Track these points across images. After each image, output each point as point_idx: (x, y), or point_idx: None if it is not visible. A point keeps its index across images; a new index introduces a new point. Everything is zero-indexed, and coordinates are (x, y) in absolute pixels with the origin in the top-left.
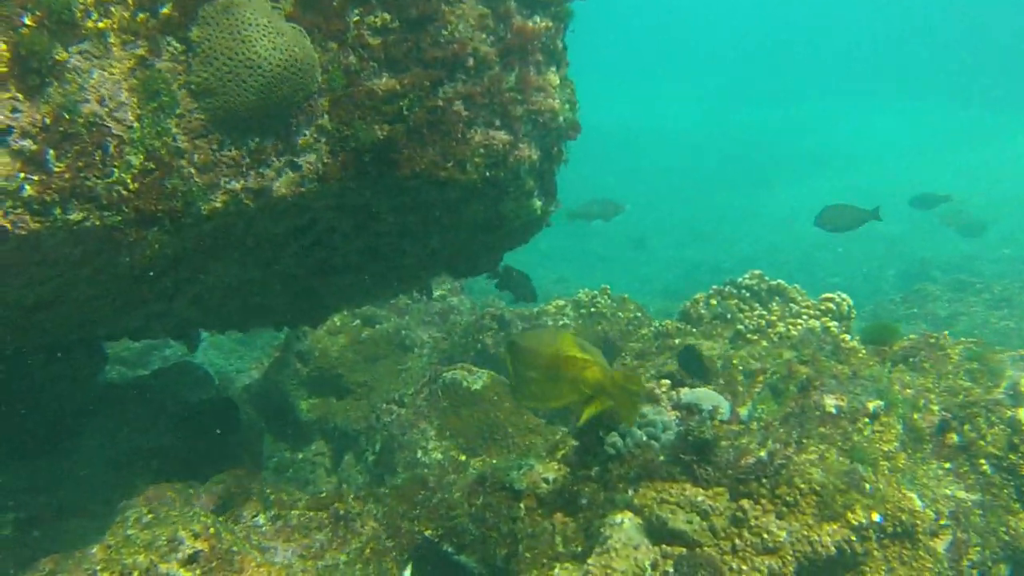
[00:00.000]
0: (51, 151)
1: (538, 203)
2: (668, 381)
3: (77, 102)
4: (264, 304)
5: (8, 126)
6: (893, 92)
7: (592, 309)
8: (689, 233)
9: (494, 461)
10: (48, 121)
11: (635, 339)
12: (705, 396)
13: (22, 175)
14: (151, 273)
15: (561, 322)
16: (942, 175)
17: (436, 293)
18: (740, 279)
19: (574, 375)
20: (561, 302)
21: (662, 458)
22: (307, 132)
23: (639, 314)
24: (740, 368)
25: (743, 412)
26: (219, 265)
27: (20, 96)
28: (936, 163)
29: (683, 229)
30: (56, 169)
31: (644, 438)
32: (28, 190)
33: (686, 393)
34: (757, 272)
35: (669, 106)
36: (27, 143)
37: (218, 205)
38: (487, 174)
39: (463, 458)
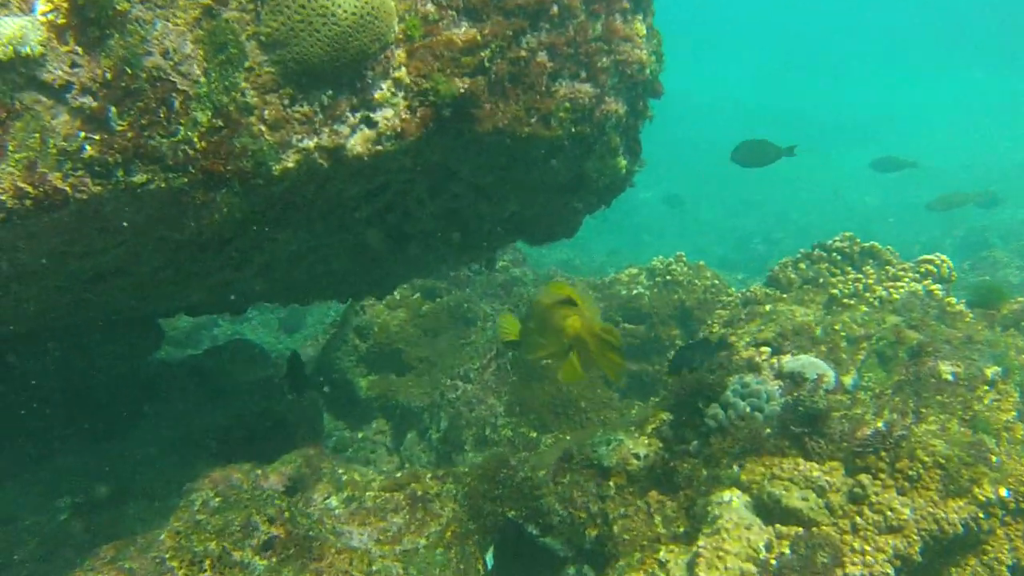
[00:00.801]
0: (113, 108)
1: (623, 162)
2: (768, 348)
3: (140, 55)
4: (330, 274)
5: (67, 82)
6: (945, 61)
7: (667, 277)
8: (741, 203)
9: (567, 437)
10: (109, 76)
11: (720, 306)
12: (809, 364)
13: (83, 135)
14: (218, 240)
15: (635, 291)
16: (997, 144)
17: (498, 264)
18: (830, 241)
19: (557, 324)
20: (634, 270)
21: (769, 431)
22: (383, 86)
23: (716, 282)
24: (843, 334)
25: (848, 381)
26: (287, 231)
27: (80, 50)
28: (991, 131)
29: (735, 199)
30: (118, 128)
31: (748, 409)
32: (89, 150)
33: (788, 361)
34: (848, 233)
35: (719, 74)
36: (87, 100)
37: (290, 165)
38: (572, 130)
39: (534, 435)
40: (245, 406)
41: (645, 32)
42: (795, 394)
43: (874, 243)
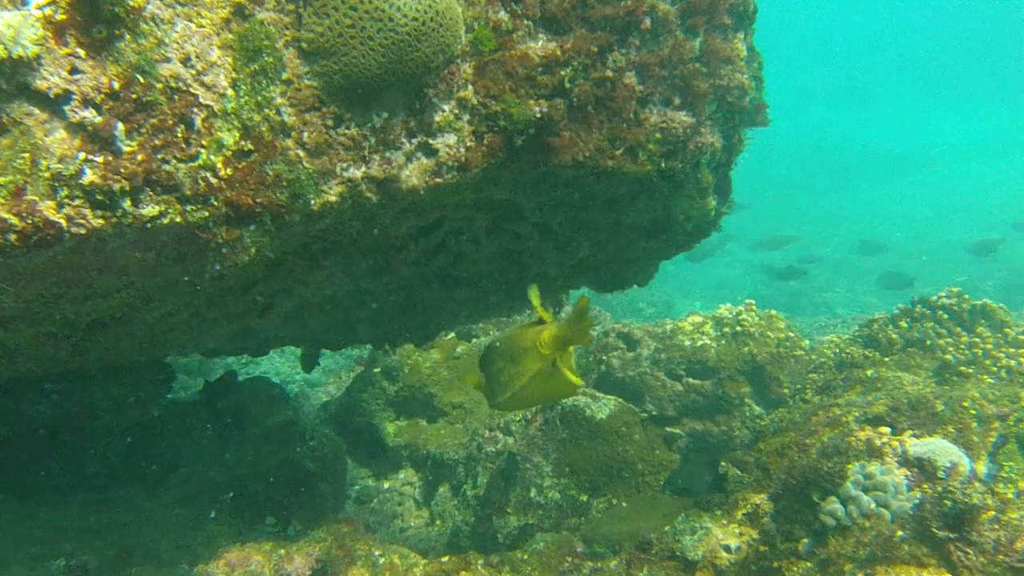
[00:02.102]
0: (120, 125)
1: (713, 203)
2: (887, 428)
3: (155, 61)
4: (366, 320)
5: (65, 91)
6: (975, 94)
7: (737, 327)
8: (771, 236)
9: (623, 504)
10: (117, 86)
11: (796, 361)
12: (941, 449)
13: (82, 156)
14: (242, 283)
15: (700, 342)
16: None
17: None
18: (934, 297)
19: (532, 341)
20: (698, 318)
21: (901, 533)
22: (446, 107)
23: (791, 334)
24: (972, 412)
25: (981, 470)
26: (323, 273)
27: (82, 52)
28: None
29: (763, 231)
30: (126, 149)
31: (873, 505)
32: (90, 175)
33: (914, 444)
34: (955, 289)
35: None
36: (89, 114)
37: (332, 199)
38: (662, 165)
39: (584, 498)
40: (262, 455)
41: (746, 53)
42: (937, 487)
43: (986, 300)
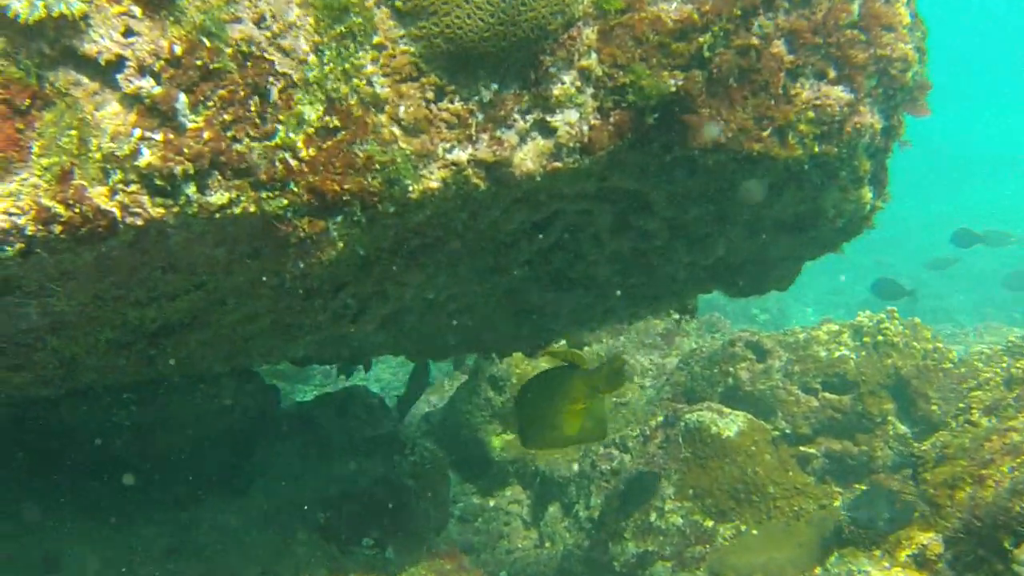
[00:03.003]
0: (183, 97)
1: (868, 195)
2: None
3: (224, 22)
4: (473, 326)
5: (119, 57)
6: None
7: (878, 337)
8: (880, 239)
9: (753, 531)
10: (179, 51)
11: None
12: None
13: (139, 133)
14: (330, 284)
15: (838, 353)
16: None
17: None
18: None
19: (566, 389)
20: (834, 326)
21: None
22: (565, 78)
23: (938, 344)
24: None
25: None
26: (422, 274)
27: (137, 11)
28: None
29: (872, 234)
30: (190, 125)
31: None
32: (147, 156)
33: None
34: None
35: None
36: (147, 84)
37: (434, 185)
38: (815, 149)
39: (709, 524)
40: (359, 470)
41: (909, 20)
42: None
43: None
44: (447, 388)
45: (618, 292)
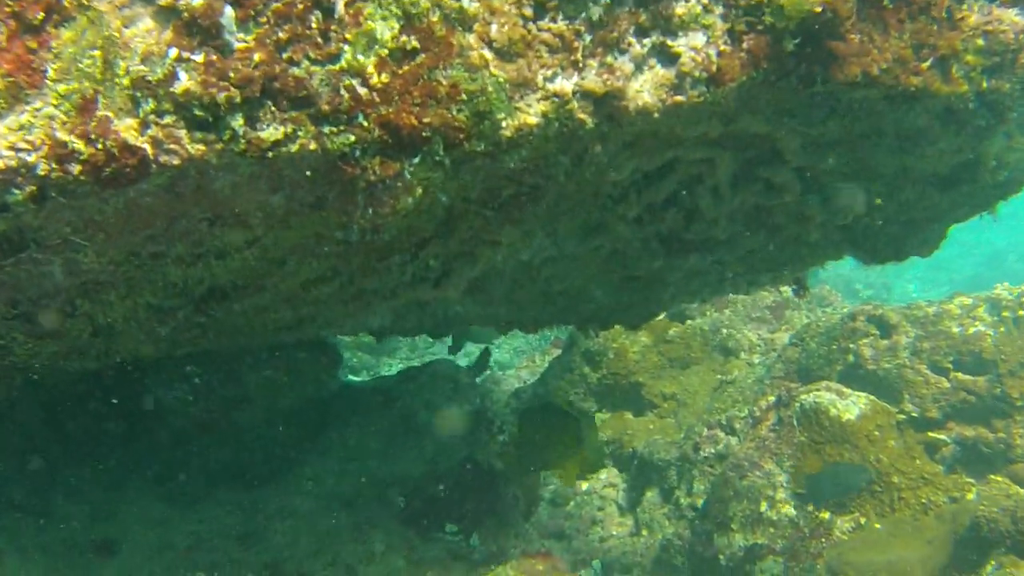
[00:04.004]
0: (229, 11)
1: None
2: None
3: None
4: (568, 294)
5: None
6: None
7: (1020, 312)
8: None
9: (876, 526)
10: None
11: None
12: None
13: (175, 54)
14: (408, 240)
15: (972, 329)
16: None
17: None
18: None
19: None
20: (967, 300)
21: None
22: None
23: None
24: None
25: None
26: (516, 231)
27: None
28: None
29: None
30: (238, 45)
31: None
32: (186, 82)
33: None
34: None
35: None
36: None
37: (532, 120)
38: (983, 84)
39: (825, 516)
40: (443, 450)
41: None
42: None
43: None
44: (538, 363)
45: (731, 258)
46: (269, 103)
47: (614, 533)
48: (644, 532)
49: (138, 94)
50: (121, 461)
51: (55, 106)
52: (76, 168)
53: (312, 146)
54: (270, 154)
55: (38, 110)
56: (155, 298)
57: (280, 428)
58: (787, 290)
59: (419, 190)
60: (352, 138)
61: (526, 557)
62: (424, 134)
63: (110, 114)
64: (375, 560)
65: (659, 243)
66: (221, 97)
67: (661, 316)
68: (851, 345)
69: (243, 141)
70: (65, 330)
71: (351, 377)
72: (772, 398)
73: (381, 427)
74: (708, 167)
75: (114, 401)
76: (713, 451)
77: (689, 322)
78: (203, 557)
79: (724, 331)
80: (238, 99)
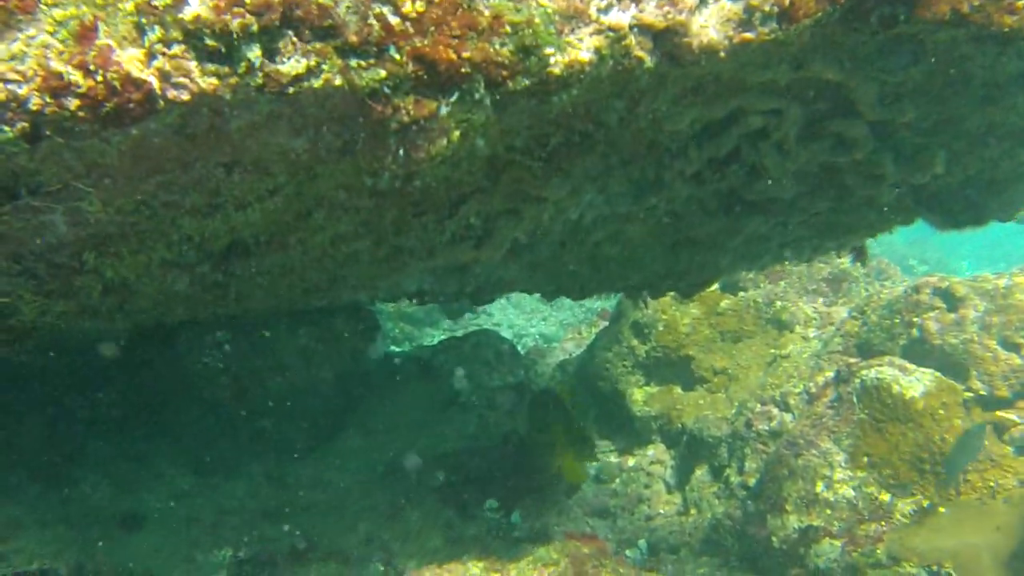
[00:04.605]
0: None
1: None
2: None
3: None
4: (621, 258)
5: None
6: None
7: None
8: None
9: (940, 510)
10: None
11: None
12: None
13: None
14: (445, 194)
15: None
16: None
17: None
18: None
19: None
20: None
21: None
22: None
23: None
24: None
25: None
26: (565, 186)
27: None
28: None
29: None
30: None
31: None
32: (197, 8)
33: None
34: None
35: None
36: None
37: (584, 57)
38: None
39: (885, 498)
40: (485, 424)
41: None
42: None
43: None
44: (585, 335)
45: (791, 222)
46: (290, 33)
47: (661, 512)
48: (692, 511)
49: (143, 21)
50: (148, 432)
51: (50, 33)
52: (73, 103)
53: (338, 81)
54: (291, 90)
55: (31, 38)
56: (169, 253)
57: (315, 398)
58: (844, 261)
59: (456, 133)
60: (382, 73)
61: (570, 538)
62: (463, 70)
63: (112, 43)
64: (412, 538)
65: (718, 203)
66: (235, 24)
67: (713, 287)
68: (915, 319)
69: (260, 75)
70: (76, 288)
71: (392, 347)
72: (830, 373)
73: (420, 399)
74: (774, 119)
75: (140, 369)
76: (766, 428)
77: (742, 294)
78: (230, 532)
79: (778, 303)
80: (255, 27)
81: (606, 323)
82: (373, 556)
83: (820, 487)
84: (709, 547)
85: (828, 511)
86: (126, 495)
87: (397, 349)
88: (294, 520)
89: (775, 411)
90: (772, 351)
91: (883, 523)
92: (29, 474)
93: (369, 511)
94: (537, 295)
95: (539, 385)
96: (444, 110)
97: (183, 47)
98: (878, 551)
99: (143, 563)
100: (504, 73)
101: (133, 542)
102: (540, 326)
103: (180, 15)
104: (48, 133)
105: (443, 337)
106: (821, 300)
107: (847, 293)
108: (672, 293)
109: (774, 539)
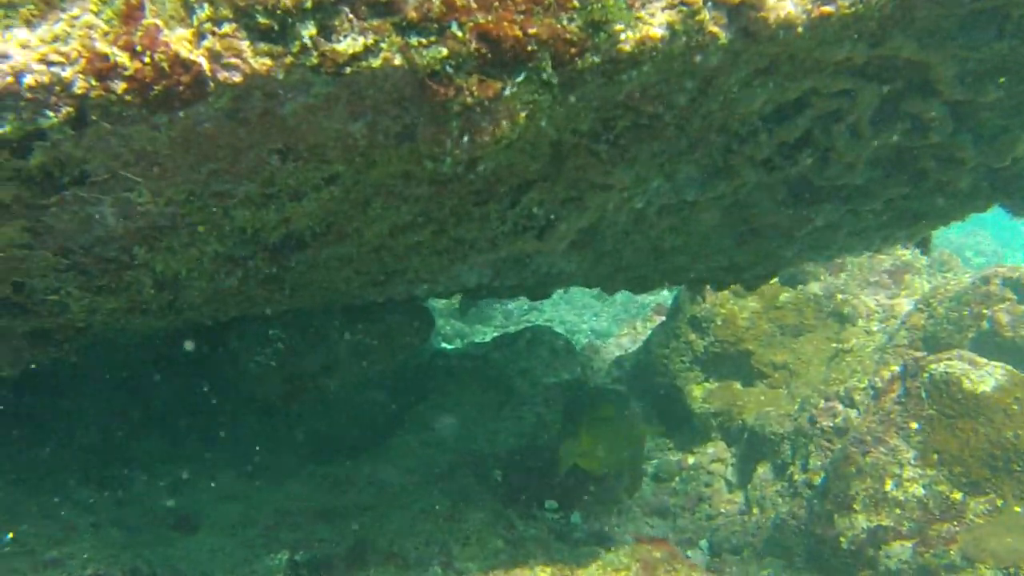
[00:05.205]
0: None
1: None
2: None
3: None
4: (684, 250)
5: None
6: None
7: None
8: None
9: (1016, 509)
10: None
11: None
12: None
13: None
14: (507, 182)
15: None
16: None
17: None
18: None
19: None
20: None
21: None
22: None
23: None
24: None
25: None
26: (631, 172)
27: None
28: None
29: None
30: None
31: None
32: None
33: None
34: None
35: None
36: None
37: (656, 33)
38: None
39: (957, 496)
40: (542, 422)
41: None
42: None
43: None
44: (639, 330)
45: (873, 207)
46: (346, 9)
47: (722, 511)
48: (755, 510)
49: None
50: (201, 432)
51: (95, 13)
52: (120, 86)
53: (397, 61)
54: (348, 70)
55: (75, 18)
56: (222, 246)
57: (369, 396)
58: (905, 253)
59: (522, 115)
60: (444, 52)
61: (641, 543)
62: (529, 48)
63: (159, 22)
64: (472, 540)
65: (787, 191)
66: (289, 1)
67: (772, 280)
68: (985, 311)
69: (316, 54)
70: (126, 283)
71: (444, 345)
72: (896, 368)
73: (475, 397)
74: (848, 100)
75: (191, 369)
76: (831, 424)
77: (801, 287)
78: (287, 534)
79: (839, 296)
80: (308, 4)
81: (661, 318)
82: (432, 559)
83: (889, 485)
84: (773, 547)
85: (898, 510)
86: (179, 498)
87: (449, 346)
88: (351, 521)
89: (839, 407)
90: (834, 345)
91: (955, 523)
92: (81, 477)
93: (427, 512)
94: (589, 290)
95: (595, 382)
96: (509, 90)
97: (234, 26)
98: (951, 552)
99: (199, 567)
100: (572, 50)
101: (188, 545)
102: (592, 322)
103: None
104: (94, 118)
105: (495, 334)
106: (883, 293)
107: (909, 285)
108: (733, 286)
109: (842, 539)
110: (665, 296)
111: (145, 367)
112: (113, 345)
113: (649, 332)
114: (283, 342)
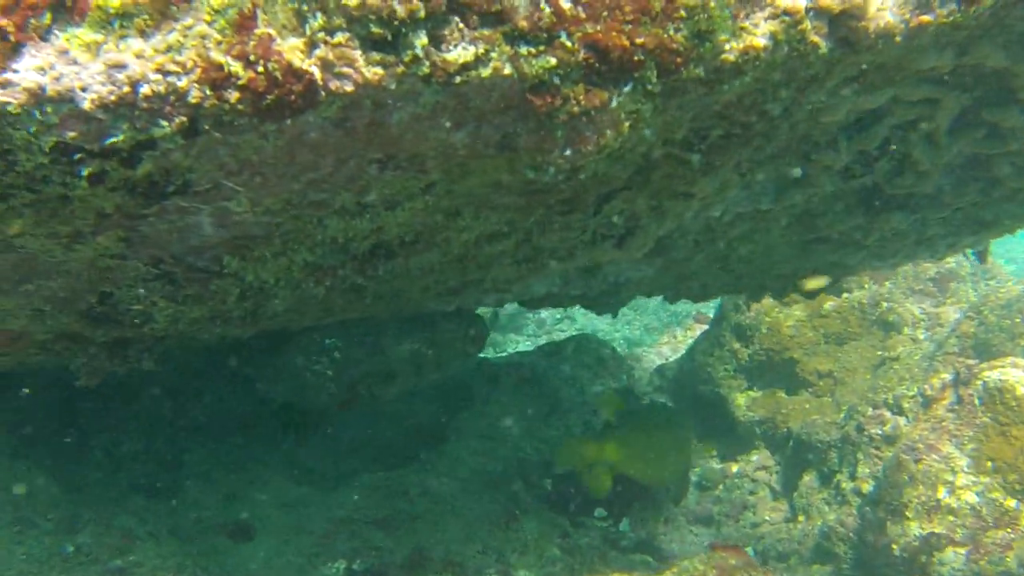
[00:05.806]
0: None
1: None
2: None
3: None
4: (750, 258)
5: None
6: None
7: None
8: None
9: None
10: None
11: None
12: None
13: None
14: (596, 189)
15: None
16: None
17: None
18: None
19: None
20: None
21: None
22: None
23: None
24: None
25: None
26: (715, 181)
27: None
28: None
29: None
30: None
31: None
32: None
33: None
34: None
35: None
36: None
37: (759, 43)
38: None
39: (1011, 504)
40: (590, 430)
41: None
42: None
43: None
44: (679, 339)
45: (941, 215)
46: (456, 19)
47: (767, 519)
48: (801, 518)
49: (304, 8)
50: (254, 441)
51: (208, 23)
52: (234, 95)
53: (507, 70)
54: (458, 79)
55: (189, 28)
56: (312, 255)
57: (422, 405)
58: (951, 260)
59: (627, 125)
60: (553, 61)
61: (716, 550)
62: (636, 57)
63: (272, 32)
64: (529, 548)
65: (857, 199)
66: (402, 10)
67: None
68: None
69: (427, 64)
70: (212, 292)
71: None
72: (947, 376)
73: (522, 405)
74: (928, 109)
75: (243, 377)
76: (879, 432)
77: (846, 295)
78: (343, 543)
79: (884, 305)
80: (421, 13)
81: (701, 327)
82: (490, 567)
83: (942, 492)
84: (820, 555)
85: (951, 518)
86: (234, 506)
87: (487, 356)
88: (406, 530)
89: (888, 415)
90: (879, 353)
91: (1010, 530)
92: (130, 484)
93: (481, 520)
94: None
95: (638, 390)
96: (616, 100)
97: (347, 35)
98: (1008, 559)
99: (257, 575)
100: (678, 60)
101: (244, 553)
102: (624, 330)
103: (344, 1)
104: (206, 128)
105: (528, 344)
106: (928, 301)
107: (955, 293)
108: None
109: (894, 547)
110: (700, 305)
111: (192, 375)
112: (169, 354)
113: (689, 341)
114: (340, 351)
